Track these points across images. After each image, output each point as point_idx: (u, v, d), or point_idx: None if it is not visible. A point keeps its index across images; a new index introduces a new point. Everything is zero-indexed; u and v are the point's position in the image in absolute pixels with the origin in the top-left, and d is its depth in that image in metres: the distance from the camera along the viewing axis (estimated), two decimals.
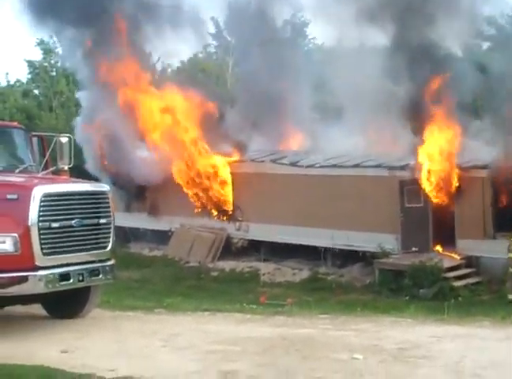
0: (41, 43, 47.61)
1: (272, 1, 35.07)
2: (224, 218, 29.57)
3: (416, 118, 24.16)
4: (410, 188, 24.36)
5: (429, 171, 24.15)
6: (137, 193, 29.54)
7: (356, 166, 26.17)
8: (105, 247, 13.85)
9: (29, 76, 50.83)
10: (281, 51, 32.94)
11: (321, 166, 26.93)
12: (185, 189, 29.54)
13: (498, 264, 22.29)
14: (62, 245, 13.01)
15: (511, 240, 19.83)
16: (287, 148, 29.95)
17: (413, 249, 24.11)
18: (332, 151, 27.30)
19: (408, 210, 24.60)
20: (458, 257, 23.29)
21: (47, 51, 47.57)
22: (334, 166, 26.62)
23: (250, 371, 11.10)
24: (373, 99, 26.07)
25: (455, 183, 23.64)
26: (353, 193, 25.51)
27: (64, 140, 14.82)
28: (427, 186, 24.11)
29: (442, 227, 24.08)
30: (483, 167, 22.98)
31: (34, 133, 15.33)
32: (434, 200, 24.25)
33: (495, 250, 22.61)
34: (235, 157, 29.57)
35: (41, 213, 12.65)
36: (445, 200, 24.10)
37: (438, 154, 23.96)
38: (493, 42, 30.57)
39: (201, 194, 29.79)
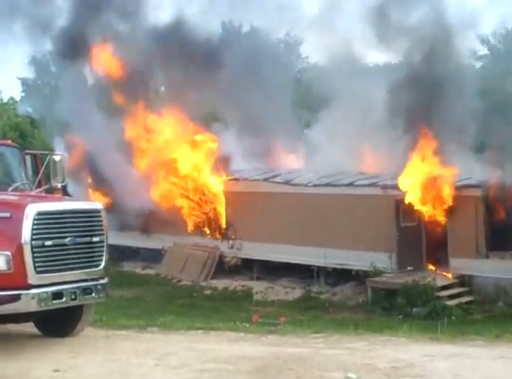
0: (33, 60, 47.56)
1: (266, 20, 35.28)
2: (217, 236, 29.56)
3: (409, 136, 24.22)
4: (405, 207, 24.40)
5: (422, 190, 24.19)
6: (131, 212, 29.46)
7: (350, 184, 26.24)
8: (98, 265, 13.80)
9: (23, 94, 50.85)
10: (273, 71, 33.09)
11: (314, 185, 26.98)
12: (178, 208, 29.51)
13: (490, 283, 22.34)
14: (55, 263, 12.97)
15: None
16: (280, 167, 29.97)
17: (408, 268, 24.14)
18: (325, 170, 27.34)
19: (403, 229, 24.65)
20: (451, 276, 23.32)
21: (40, 69, 47.56)
22: (327, 184, 26.68)
23: None
24: (367, 117, 26.14)
25: (448, 202, 23.68)
26: (346, 211, 25.56)
27: (57, 158, 14.83)
28: (421, 205, 24.16)
29: (436, 245, 24.12)
30: (477, 186, 23.04)
31: (27, 151, 15.32)
32: (428, 219, 24.28)
33: (487, 269, 22.68)
34: (229, 176, 29.58)
35: (34, 231, 12.61)
36: (438, 219, 24.12)
37: (430, 173, 24.01)
38: (486, 61, 30.74)
39: (194, 213, 29.79)
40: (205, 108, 31.64)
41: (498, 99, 25.19)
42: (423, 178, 24.10)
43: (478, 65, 32.95)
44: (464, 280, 23.15)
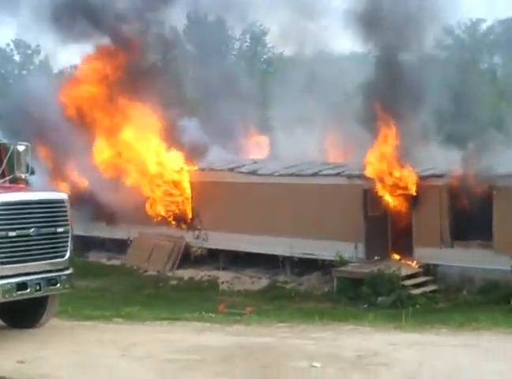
0: None
1: (231, 11, 35.21)
2: (183, 226, 29.53)
3: (373, 127, 24.34)
4: (371, 197, 24.52)
5: (386, 180, 24.30)
6: (96, 203, 29.27)
7: (315, 174, 26.29)
8: (63, 256, 13.77)
9: None
10: (239, 62, 33.12)
11: (280, 175, 27.02)
12: (143, 199, 29.42)
13: (455, 272, 22.51)
14: (19, 254, 12.92)
15: None
16: (246, 158, 29.99)
17: (376, 257, 24.28)
18: (291, 160, 27.39)
19: (369, 219, 24.77)
20: (416, 266, 23.47)
21: (4, 59, 47.02)
22: (293, 174, 26.72)
23: None
24: (333, 108, 26.21)
25: (413, 192, 23.83)
26: (312, 201, 25.62)
27: (21, 148, 14.72)
28: (386, 195, 24.29)
29: (401, 235, 24.28)
30: (441, 176, 23.20)
31: None
32: (393, 209, 24.42)
33: (452, 258, 22.85)
34: (195, 166, 29.54)
35: None
36: (403, 209, 24.27)
37: (395, 163, 24.12)
38: (450, 52, 30.95)
39: (160, 203, 29.73)
40: (172, 100, 31.44)
41: (462, 89, 25.35)
42: (387, 168, 24.22)
43: (443, 55, 33.15)
44: (428, 269, 23.32)
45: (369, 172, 24.37)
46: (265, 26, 45.18)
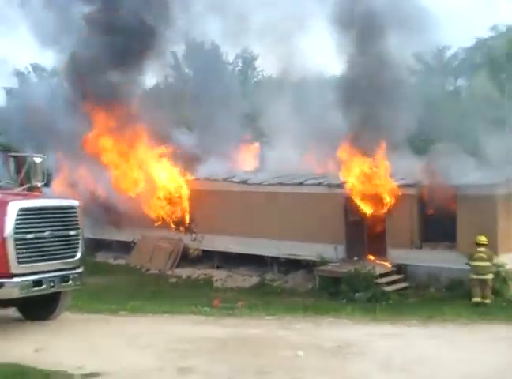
0: (17, 72, 46.76)
1: (225, 38, 35.32)
2: (181, 230, 29.54)
3: (351, 141, 24.36)
4: (350, 203, 24.54)
5: (362, 189, 24.37)
6: (105, 209, 29.24)
7: (300, 184, 26.34)
8: (74, 256, 13.78)
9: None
10: (231, 83, 33.13)
11: (268, 184, 27.04)
12: (146, 205, 29.44)
13: (423, 271, 22.57)
14: (35, 254, 12.92)
15: (478, 250, 19.90)
16: (238, 169, 30.00)
17: (355, 258, 24.31)
18: (278, 171, 27.44)
19: (349, 224, 24.78)
20: (389, 265, 23.52)
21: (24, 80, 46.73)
22: (280, 184, 26.75)
23: (205, 367, 11.12)
24: (316, 125, 26.21)
25: (387, 199, 23.90)
26: (297, 207, 25.67)
27: (38, 160, 14.76)
28: (362, 203, 24.34)
29: (376, 238, 24.32)
30: (412, 186, 23.27)
31: (10, 154, 15.19)
32: (369, 215, 24.46)
33: (420, 259, 22.91)
34: (192, 176, 29.56)
35: (16, 226, 12.55)
36: (378, 215, 24.32)
37: (370, 173, 24.18)
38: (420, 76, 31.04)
39: (161, 209, 29.75)
40: (172, 117, 31.39)
41: (431, 109, 25.45)
42: (363, 179, 24.28)
43: (414, 79, 33.23)
44: (400, 269, 23.34)
45: (348, 182, 24.41)
46: (255, 52, 45.28)
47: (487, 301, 19.54)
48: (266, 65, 42.88)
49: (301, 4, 30.42)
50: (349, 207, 24.57)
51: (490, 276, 19.91)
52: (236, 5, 28.83)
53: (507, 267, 21.28)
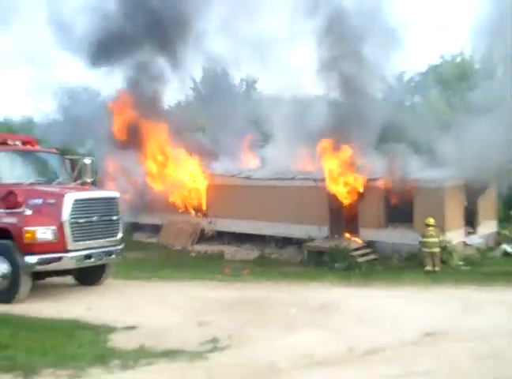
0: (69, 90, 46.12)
1: (232, 65, 35.38)
2: (199, 215, 29.55)
3: (332, 146, 24.34)
4: (333, 194, 24.48)
5: (341, 183, 24.38)
6: (141, 199, 29.21)
7: (292, 179, 26.35)
8: (116, 236, 13.91)
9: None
10: (237, 100, 33.11)
11: (267, 179, 27.05)
12: (171, 196, 29.50)
13: (387, 246, 22.58)
14: (86, 234, 13.06)
15: (428, 229, 19.89)
16: (243, 167, 29.99)
17: (335, 236, 24.28)
18: (275, 169, 27.42)
19: (332, 209, 24.72)
20: (361, 241, 23.54)
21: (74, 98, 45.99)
22: (276, 179, 26.75)
23: (218, 321, 11.23)
24: (306, 132, 26.05)
25: (359, 190, 23.90)
26: (290, 197, 25.66)
27: (88, 161, 14.88)
28: (341, 193, 24.34)
29: (351, 220, 24.33)
30: (378, 179, 23.29)
31: (66, 157, 15.31)
32: (346, 203, 24.45)
33: (385, 236, 22.93)
34: (208, 173, 29.56)
35: (71, 212, 12.70)
36: (352, 203, 24.33)
37: (346, 169, 24.18)
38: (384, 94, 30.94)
39: (183, 198, 29.78)
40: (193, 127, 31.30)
41: (393, 119, 25.42)
42: (341, 174, 24.28)
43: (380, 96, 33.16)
44: (370, 244, 23.36)
45: (330, 177, 24.42)
46: (256, 76, 45.15)
47: (437, 269, 19.60)
48: (265, 86, 42.74)
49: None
50: (331, 197, 24.55)
51: (437, 250, 19.95)
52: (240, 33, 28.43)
53: (453, 242, 21.35)
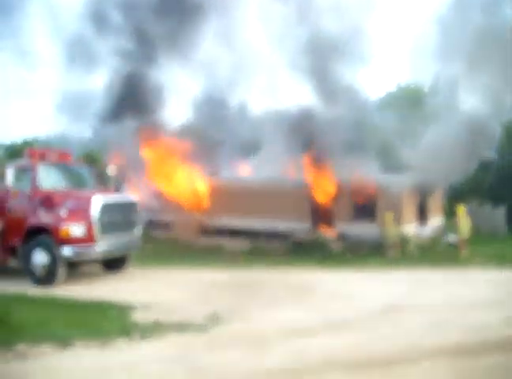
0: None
1: (226, 91, 35.35)
2: (203, 213, 29.54)
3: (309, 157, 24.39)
4: (313, 195, 24.46)
5: (318, 186, 24.45)
6: (156, 200, 29.06)
7: (277, 182, 26.40)
8: (135, 232, 13.98)
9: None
10: (232, 121, 32.96)
11: (258, 184, 27.09)
12: (180, 197, 29.47)
13: (356, 237, 22.63)
14: (111, 230, 13.12)
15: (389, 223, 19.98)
16: (239, 173, 29.99)
17: (316, 230, 24.24)
18: (265, 175, 27.41)
19: (313, 208, 24.69)
20: (335, 234, 23.58)
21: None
22: (265, 183, 26.79)
23: (218, 299, 11.32)
24: (289, 145, 26.02)
25: (333, 192, 23.95)
26: (277, 199, 25.70)
27: (112, 171, 14.94)
28: (318, 194, 24.36)
29: (327, 216, 24.34)
30: (347, 182, 23.37)
31: (94, 167, 15.37)
32: (323, 202, 24.48)
33: (354, 229, 23.00)
34: (211, 178, 29.55)
35: (99, 212, 12.77)
36: (327, 202, 24.38)
37: (322, 176, 24.25)
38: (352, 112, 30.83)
39: (190, 199, 29.74)
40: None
41: (357, 133, 25.44)
42: (317, 180, 24.33)
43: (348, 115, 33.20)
44: (342, 235, 23.43)
45: (309, 181, 24.46)
46: (246, 98, 45.06)
47: (394, 255, 19.67)
48: (255, 106, 42.53)
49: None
50: (312, 197, 24.58)
51: (396, 239, 20.03)
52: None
53: (408, 233, 21.49)
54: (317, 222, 24.59)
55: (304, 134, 24.32)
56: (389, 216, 20.14)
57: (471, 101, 21.87)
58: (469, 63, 20.20)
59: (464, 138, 20.09)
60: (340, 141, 23.66)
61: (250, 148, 32.39)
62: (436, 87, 27.63)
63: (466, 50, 20.16)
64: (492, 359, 7.48)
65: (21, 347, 7.93)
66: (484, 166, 22.98)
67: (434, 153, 20.60)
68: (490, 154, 22.42)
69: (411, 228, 22.32)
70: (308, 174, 24.48)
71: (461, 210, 19.55)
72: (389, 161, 23.65)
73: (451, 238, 23.20)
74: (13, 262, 13.82)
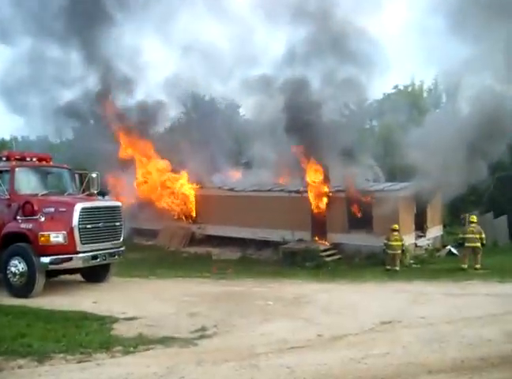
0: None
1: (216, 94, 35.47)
2: (190, 221, 29.47)
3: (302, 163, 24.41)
4: (305, 203, 24.44)
5: (312, 193, 24.43)
6: (141, 208, 28.87)
7: (269, 190, 26.41)
8: (119, 239, 13.83)
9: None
10: (223, 124, 33.03)
11: (248, 191, 27.07)
12: (166, 205, 29.37)
13: (351, 247, 22.65)
14: (92, 238, 12.98)
15: (393, 234, 19.65)
16: (227, 180, 29.92)
17: (311, 239, 24.09)
18: (254, 182, 27.40)
19: (307, 217, 24.56)
20: (328, 244, 23.58)
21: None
22: (255, 190, 26.80)
23: (206, 312, 11.21)
24: (281, 152, 26.04)
25: (326, 200, 23.99)
26: (267, 206, 25.68)
27: (94, 175, 14.80)
28: (312, 203, 24.35)
29: (320, 225, 24.33)
30: (342, 191, 23.42)
31: (75, 171, 15.23)
32: (316, 210, 24.50)
33: (349, 239, 22.99)
34: (198, 185, 29.51)
35: (80, 219, 12.63)
36: (321, 211, 24.39)
37: (317, 183, 24.25)
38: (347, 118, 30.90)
39: (177, 207, 29.65)
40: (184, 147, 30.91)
41: (354, 140, 25.50)
42: (313, 189, 24.30)
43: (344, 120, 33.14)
44: (336, 246, 23.42)
45: (305, 190, 24.42)
46: (239, 102, 45.04)
47: (397, 268, 19.24)
48: (246, 112, 42.53)
49: None
50: (305, 206, 24.45)
51: (399, 252, 19.66)
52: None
53: (406, 244, 21.45)
54: (311, 231, 24.51)
55: (299, 140, 24.28)
56: (395, 227, 19.72)
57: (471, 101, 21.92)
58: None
59: (468, 139, 20.01)
60: (336, 148, 23.65)
61: (239, 153, 32.36)
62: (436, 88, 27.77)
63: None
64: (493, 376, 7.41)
65: None
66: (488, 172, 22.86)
67: (435, 154, 20.53)
68: (494, 158, 22.34)
69: (408, 238, 22.23)
70: (302, 181, 24.43)
71: (474, 219, 19.35)
72: (389, 165, 23.63)
73: (452, 248, 23.21)
74: None
